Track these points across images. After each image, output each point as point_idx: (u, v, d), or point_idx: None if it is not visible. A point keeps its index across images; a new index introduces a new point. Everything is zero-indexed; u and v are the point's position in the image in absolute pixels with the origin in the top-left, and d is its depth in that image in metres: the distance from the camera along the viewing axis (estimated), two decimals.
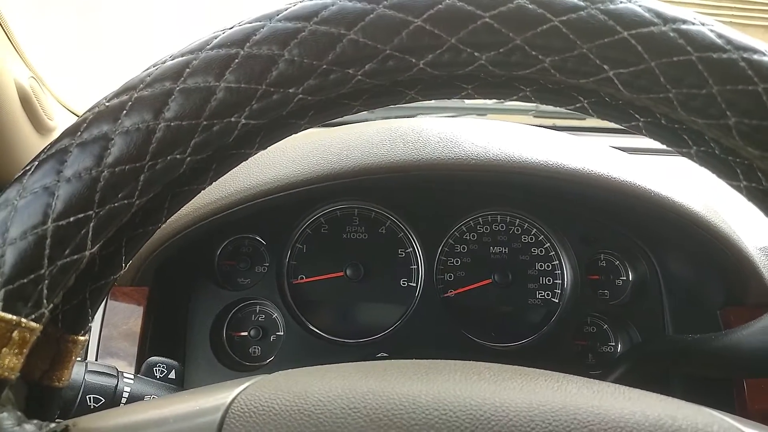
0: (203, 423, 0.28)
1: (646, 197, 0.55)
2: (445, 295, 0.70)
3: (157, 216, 0.30)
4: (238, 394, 0.29)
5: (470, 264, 0.71)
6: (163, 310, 0.59)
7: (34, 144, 0.66)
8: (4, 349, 0.24)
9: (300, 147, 0.61)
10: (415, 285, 0.70)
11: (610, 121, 0.32)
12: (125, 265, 0.30)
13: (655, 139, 0.32)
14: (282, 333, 0.68)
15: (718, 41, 0.26)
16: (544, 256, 0.71)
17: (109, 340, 0.54)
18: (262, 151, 0.62)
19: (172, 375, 0.43)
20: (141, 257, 0.55)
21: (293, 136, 0.32)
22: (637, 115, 0.31)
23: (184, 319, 0.64)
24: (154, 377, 0.43)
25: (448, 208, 0.71)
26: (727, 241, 0.54)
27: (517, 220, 0.72)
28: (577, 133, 0.69)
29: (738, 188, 0.32)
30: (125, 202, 0.26)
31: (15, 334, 0.24)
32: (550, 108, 1.09)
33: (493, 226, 0.72)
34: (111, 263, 0.30)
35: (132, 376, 0.40)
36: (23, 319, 0.24)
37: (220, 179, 0.58)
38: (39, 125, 0.67)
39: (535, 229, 0.72)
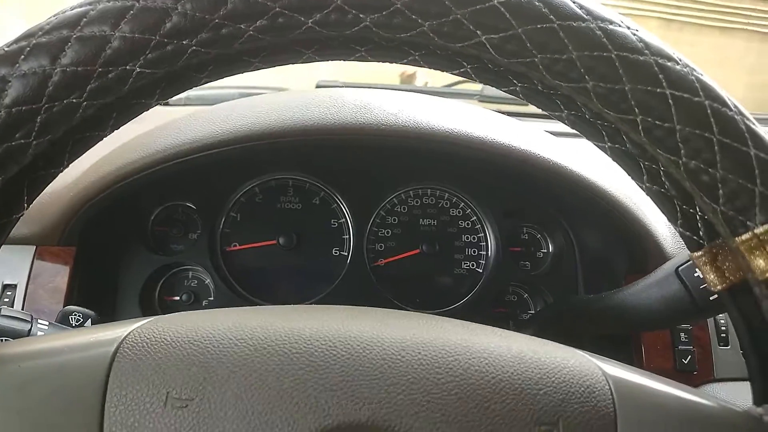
0: (96, 354, 0.30)
1: (548, 167, 0.59)
2: (375, 263, 0.73)
3: (58, 159, 0.31)
4: (133, 329, 0.31)
5: (400, 235, 0.74)
6: (90, 270, 0.60)
7: None
8: None
9: (235, 107, 0.62)
10: (346, 254, 0.73)
11: (492, 86, 0.35)
12: (27, 207, 0.31)
13: (532, 103, 0.35)
14: (213, 298, 0.70)
15: (579, 11, 0.29)
16: (470, 228, 0.75)
17: (35, 298, 0.55)
18: (191, 111, 0.63)
19: (88, 324, 0.44)
20: (66, 216, 0.56)
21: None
22: (515, 81, 0.34)
23: (114, 280, 0.65)
24: (69, 326, 0.44)
25: (380, 182, 0.74)
26: (625, 212, 0.58)
27: (446, 194, 0.75)
28: (520, 119, 0.72)
29: (603, 149, 0.35)
30: (22, 141, 0.28)
31: None
32: (494, 92, 1.13)
33: (424, 200, 0.75)
34: (12, 205, 0.31)
35: (46, 323, 0.41)
36: None
37: (146, 138, 0.59)
38: None
39: (462, 203, 0.75)
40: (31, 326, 0.40)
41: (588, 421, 0.30)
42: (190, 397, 0.28)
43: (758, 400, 0.35)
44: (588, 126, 0.34)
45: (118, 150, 0.61)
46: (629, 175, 0.36)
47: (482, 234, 0.74)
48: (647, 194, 0.36)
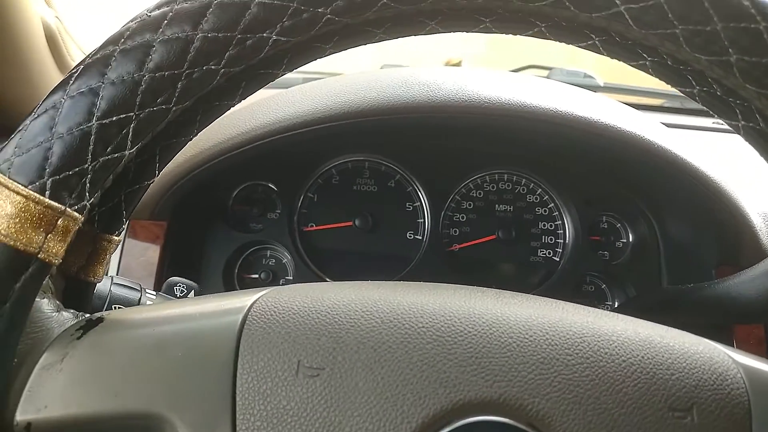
0: (226, 322, 0.30)
1: (643, 147, 0.57)
2: (450, 248, 0.72)
3: (189, 128, 0.32)
4: (258, 298, 0.31)
5: (476, 220, 0.73)
6: (179, 244, 0.61)
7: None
8: (50, 236, 0.27)
9: (315, 88, 0.62)
10: (421, 238, 0.72)
11: (620, 60, 0.34)
12: (158, 173, 0.32)
13: (661, 78, 0.34)
14: (291, 277, 0.70)
15: None
16: (547, 215, 0.73)
17: (128, 269, 0.56)
18: (268, 95, 0.63)
19: (191, 295, 0.45)
20: (160, 192, 0.58)
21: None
22: (644, 54, 0.33)
23: (200, 256, 0.66)
24: (174, 296, 0.45)
25: (457, 165, 0.73)
26: (723, 196, 0.56)
27: (524, 179, 0.74)
28: None
29: (736, 128, 0.33)
30: (163, 107, 0.28)
31: (60, 221, 0.26)
32: (562, 77, 1.10)
33: (500, 185, 0.74)
34: (145, 170, 0.32)
35: (154, 293, 0.42)
36: (68, 209, 0.27)
37: (236, 118, 0.59)
38: (62, 65, 0.69)
39: (540, 189, 0.73)
40: (141, 295, 0.41)
41: (723, 408, 0.29)
42: (321, 366, 0.28)
43: None
44: (720, 103, 0.33)
45: (204, 132, 0.62)
46: (762, 156, 0.34)
47: (560, 222, 0.73)
48: (745, 138, 0.34)
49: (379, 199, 0.73)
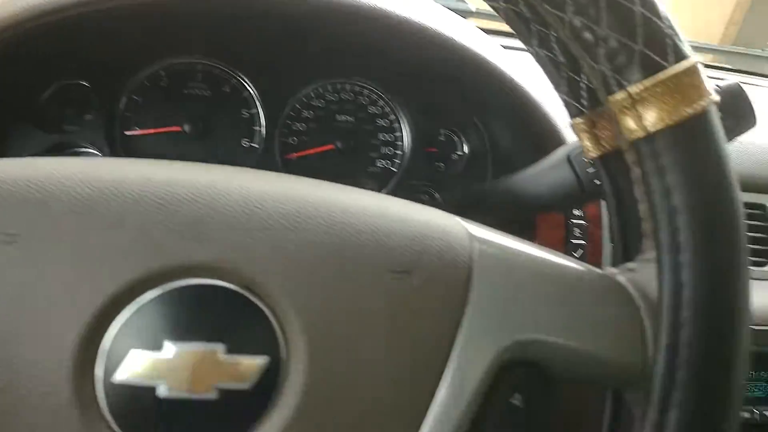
0: None
1: (464, 55, 0.57)
2: (287, 157, 0.71)
3: None
4: None
5: (315, 129, 0.72)
6: None
7: None
8: None
9: None
10: (257, 146, 0.70)
11: None
12: None
13: None
14: None
15: None
16: (388, 127, 0.73)
17: None
18: None
19: None
20: None
21: None
22: None
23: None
24: None
25: (297, 72, 0.71)
26: (536, 109, 0.58)
27: (366, 90, 0.73)
28: None
29: (497, 9, 0.34)
30: None
31: None
32: None
33: (342, 95, 0.72)
34: None
35: None
36: None
37: None
38: None
39: (382, 101, 0.73)
40: None
41: (442, 271, 0.30)
42: (18, 232, 0.26)
43: (615, 262, 0.36)
44: (522, 24, 0.33)
45: None
46: (521, 39, 0.35)
47: (399, 133, 0.73)
48: (536, 61, 0.35)
49: (212, 104, 0.69)
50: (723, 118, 0.44)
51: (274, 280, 0.28)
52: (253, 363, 0.27)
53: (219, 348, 0.27)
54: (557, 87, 0.34)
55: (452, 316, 0.30)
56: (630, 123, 0.30)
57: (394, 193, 0.72)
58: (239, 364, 0.27)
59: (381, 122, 0.73)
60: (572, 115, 0.34)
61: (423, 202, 0.73)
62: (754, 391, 0.59)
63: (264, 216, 0.29)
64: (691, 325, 0.29)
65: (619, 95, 0.30)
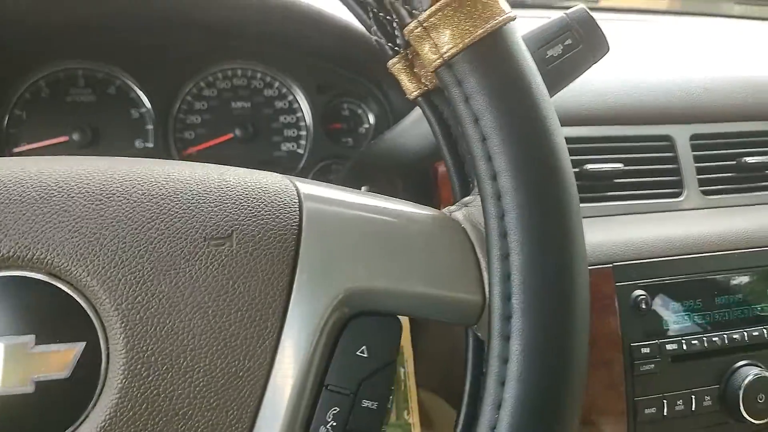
0: None
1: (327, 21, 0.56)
2: (186, 153, 0.69)
3: None
4: None
5: (212, 120, 0.70)
6: None
7: None
8: None
9: None
10: (151, 145, 0.68)
11: None
12: None
13: None
14: None
15: None
16: (288, 108, 0.71)
17: None
18: None
19: None
20: None
21: None
22: None
23: None
24: None
25: (183, 64, 0.68)
26: None
27: (259, 73, 0.71)
28: None
29: None
30: None
31: None
32: None
33: (234, 81, 0.70)
34: None
35: None
36: None
37: None
38: None
39: (277, 83, 0.71)
40: None
41: (268, 232, 0.29)
42: None
43: (455, 199, 0.35)
44: None
45: None
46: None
47: (300, 114, 0.72)
48: (345, 5, 0.34)
49: (99, 109, 0.67)
50: (575, 46, 0.43)
51: (78, 263, 0.26)
52: (68, 351, 0.26)
53: (29, 340, 0.26)
54: (369, 29, 0.33)
55: (282, 276, 0.28)
56: (428, 52, 0.30)
57: (304, 175, 0.70)
58: (54, 354, 0.26)
59: (280, 104, 0.71)
60: (389, 57, 0.33)
61: (332, 181, 0.72)
62: (680, 322, 0.59)
63: (63, 198, 0.27)
64: (518, 252, 0.28)
65: (412, 25, 0.29)
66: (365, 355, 0.29)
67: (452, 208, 0.34)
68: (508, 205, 0.29)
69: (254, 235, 0.28)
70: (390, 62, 0.33)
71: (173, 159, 0.68)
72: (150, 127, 0.68)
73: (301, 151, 0.71)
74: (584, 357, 0.29)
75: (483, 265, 0.30)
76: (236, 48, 0.69)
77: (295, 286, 0.29)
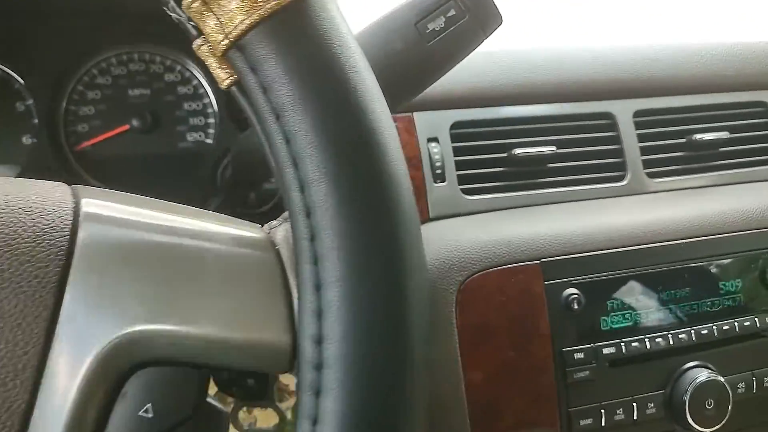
0: None
1: None
2: (79, 148, 0.62)
3: None
4: None
5: (107, 111, 0.63)
6: None
7: None
8: None
9: None
10: (39, 142, 0.61)
11: None
12: None
13: None
14: None
15: None
16: (192, 94, 0.65)
17: None
18: None
19: None
20: None
21: None
22: None
23: None
24: None
25: (70, 50, 0.62)
26: None
27: (158, 57, 0.64)
28: None
29: None
30: None
31: None
32: None
33: (131, 66, 0.63)
34: None
35: None
36: None
37: None
38: None
39: (179, 66, 0.64)
40: None
41: (21, 266, 0.23)
42: None
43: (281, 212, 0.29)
44: None
45: None
46: None
47: (207, 100, 0.65)
48: None
49: None
50: (460, 18, 0.37)
51: None
52: None
53: None
54: (166, 6, 0.26)
55: (39, 321, 0.22)
56: (213, 31, 0.23)
57: (215, 165, 0.64)
58: None
59: (183, 90, 0.64)
60: (192, 40, 0.26)
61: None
62: (618, 323, 0.53)
63: None
64: (333, 283, 0.22)
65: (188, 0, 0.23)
66: (149, 415, 0.23)
67: (274, 223, 0.27)
68: (320, 223, 0.23)
69: (3, 270, 0.22)
70: (194, 44, 0.27)
71: (64, 155, 0.61)
72: (36, 120, 0.61)
73: (210, 141, 0.65)
74: (422, 413, 0.23)
75: (295, 299, 0.24)
76: (125, 29, 0.62)
77: (57, 332, 0.23)
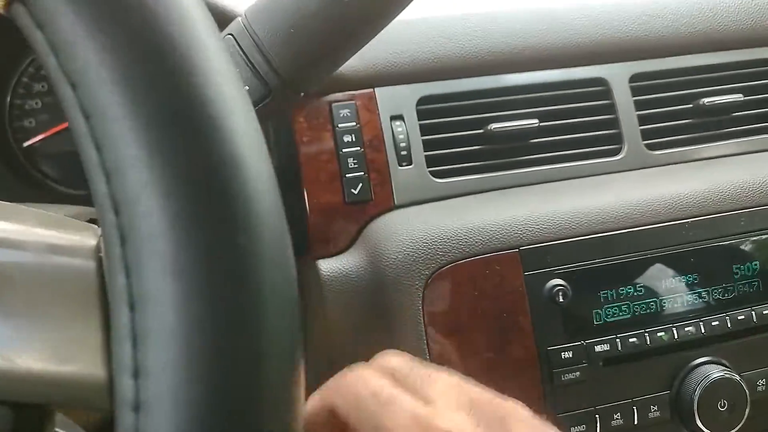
0: None
1: None
2: (27, 143, 0.58)
3: None
4: None
5: (54, 104, 0.59)
6: None
7: None
8: None
9: None
10: None
11: None
12: None
13: None
14: None
15: None
16: None
17: None
18: None
19: None
20: None
21: None
22: None
23: None
24: None
25: (14, 41, 0.57)
26: None
27: None
28: None
29: None
30: None
31: None
32: None
33: None
34: None
35: None
36: None
37: None
38: None
39: None
40: None
41: None
42: None
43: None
44: None
45: None
46: None
47: None
48: None
49: None
50: None
51: None
52: None
53: None
54: None
55: None
56: None
57: None
58: None
59: None
60: None
61: None
62: (613, 316, 0.47)
63: None
64: (152, 299, 0.17)
65: None
66: None
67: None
68: (132, 221, 0.17)
69: None
70: None
71: (12, 152, 0.57)
72: None
73: None
74: None
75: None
76: None
77: None
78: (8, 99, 0.58)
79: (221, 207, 0.18)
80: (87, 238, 0.20)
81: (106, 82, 0.17)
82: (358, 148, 0.47)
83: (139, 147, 0.17)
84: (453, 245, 0.45)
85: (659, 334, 0.47)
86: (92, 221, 0.23)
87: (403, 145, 0.48)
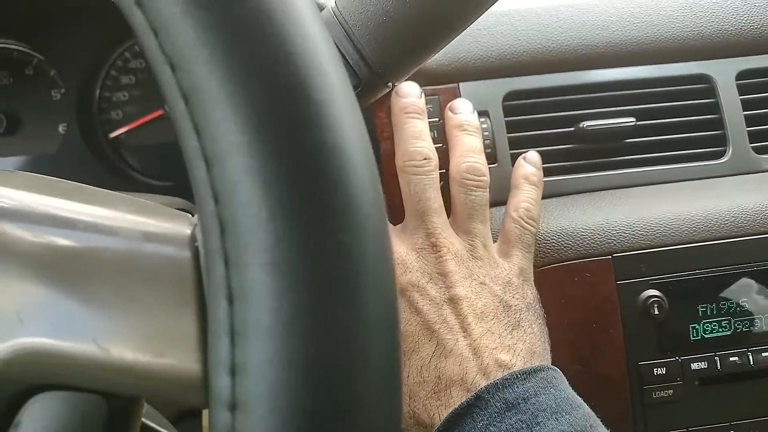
0: None
1: None
2: (113, 135, 0.60)
3: None
4: None
5: (140, 96, 0.60)
6: None
7: None
8: None
9: None
10: (75, 129, 0.60)
11: None
12: None
13: None
14: None
15: None
16: None
17: None
18: None
19: None
20: None
21: None
22: None
23: None
24: None
25: (103, 34, 0.59)
26: None
27: None
28: None
29: None
30: None
31: None
32: None
33: None
34: None
35: None
36: None
37: None
38: None
39: None
40: None
41: None
42: None
43: None
44: None
45: None
46: None
47: None
48: None
49: (16, 92, 0.59)
50: None
51: None
52: None
53: None
54: None
55: None
56: None
57: None
58: None
59: None
60: None
61: None
62: (713, 332, 0.43)
63: None
64: (252, 293, 0.16)
65: None
66: None
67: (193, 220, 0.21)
68: (232, 210, 0.16)
69: None
70: None
71: (100, 143, 0.59)
72: (72, 108, 0.59)
73: None
74: None
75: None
76: None
77: None
78: (98, 92, 0.59)
79: (326, 202, 0.16)
80: (182, 227, 0.20)
81: (206, 63, 0.16)
82: (441, 145, 0.46)
83: (242, 132, 0.16)
84: (540, 249, 0.43)
85: (765, 354, 0.43)
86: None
87: (487, 142, 0.46)
